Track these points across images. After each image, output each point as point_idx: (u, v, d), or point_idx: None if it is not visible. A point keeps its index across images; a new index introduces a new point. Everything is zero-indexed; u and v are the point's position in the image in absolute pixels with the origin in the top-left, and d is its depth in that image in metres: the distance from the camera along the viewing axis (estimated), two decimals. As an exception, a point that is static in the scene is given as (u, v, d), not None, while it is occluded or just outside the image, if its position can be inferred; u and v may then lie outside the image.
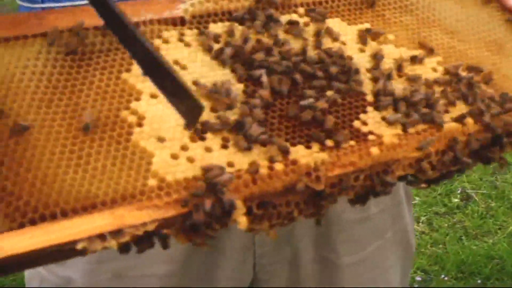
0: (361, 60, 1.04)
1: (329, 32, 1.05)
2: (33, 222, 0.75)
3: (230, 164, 0.86)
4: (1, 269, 0.73)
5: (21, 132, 0.81)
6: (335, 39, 1.05)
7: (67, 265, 1.30)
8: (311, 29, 1.06)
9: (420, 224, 3.38)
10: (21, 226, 0.75)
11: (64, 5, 1.18)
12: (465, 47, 1.13)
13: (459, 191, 3.60)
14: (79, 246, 0.75)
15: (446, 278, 3.09)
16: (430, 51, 1.09)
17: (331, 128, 0.93)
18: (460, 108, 1.03)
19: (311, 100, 0.94)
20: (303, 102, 0.94)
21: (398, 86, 1.02)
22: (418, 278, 3.09)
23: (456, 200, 3.54)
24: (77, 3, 1.18)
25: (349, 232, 1.47)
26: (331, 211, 1.41)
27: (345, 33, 1.07)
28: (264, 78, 0.95)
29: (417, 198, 3.52)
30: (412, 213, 1.67)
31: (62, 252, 0.75)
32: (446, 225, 3.38)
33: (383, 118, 0.98)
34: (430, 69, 1.07)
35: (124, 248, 0.79)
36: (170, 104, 0.84)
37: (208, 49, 0.97)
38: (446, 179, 0.99)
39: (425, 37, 1.12)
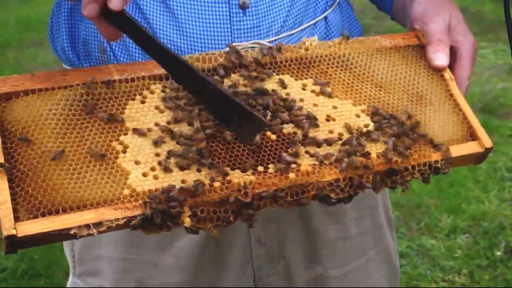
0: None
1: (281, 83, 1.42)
2: (43, 215, 1.15)
3: (183, 181, 1.24)
4: (21, 244, 1.13)
5: (42, 155, 1.21)
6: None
7: (99, 275, 1.66)
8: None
9: (462, 276, 3.42)
10: (35, 217, 1.15)
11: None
12: (389, 98, 1.46)
13: (502, 245, 3.64)
14: (72, 231, 1.14)
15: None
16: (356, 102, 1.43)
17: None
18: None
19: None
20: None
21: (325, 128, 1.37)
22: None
23: (499, 253, 3.58)
24: None
25: (333, 248, 1.75)
26: (316, 230, 1.72)
27: (291, 86, 1.43)
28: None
29: (459, 251, 3.57)
30: (394, 237, 1.93)
31: (61, 235, 1.15)
32: (488, 277, 3.41)
33: (307, 152, 1.33)
34: (354, 115, 1.41)
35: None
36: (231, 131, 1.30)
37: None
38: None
39: (357, 90, 1.46)
